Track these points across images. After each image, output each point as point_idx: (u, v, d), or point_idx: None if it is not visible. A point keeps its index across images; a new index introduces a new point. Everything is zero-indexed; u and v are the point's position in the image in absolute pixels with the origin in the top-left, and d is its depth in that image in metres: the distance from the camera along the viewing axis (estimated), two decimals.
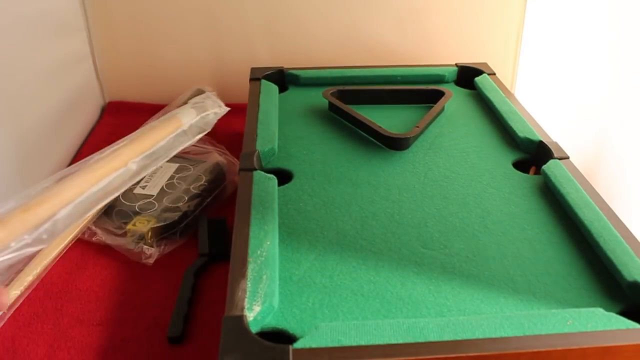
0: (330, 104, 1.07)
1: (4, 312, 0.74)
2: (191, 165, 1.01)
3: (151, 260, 0.85)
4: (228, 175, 1.02)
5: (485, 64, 1.24)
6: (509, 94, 1.11)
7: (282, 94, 1.14)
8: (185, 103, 1.19)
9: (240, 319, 0.57)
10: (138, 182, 0.95)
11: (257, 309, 0.59)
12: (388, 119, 1.02)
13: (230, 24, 1.31)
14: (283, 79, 1.19)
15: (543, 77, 1.34)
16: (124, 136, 1.07)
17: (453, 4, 1.31)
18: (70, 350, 0.70)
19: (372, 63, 1.26)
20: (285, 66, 1.20)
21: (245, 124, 0.98)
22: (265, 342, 0.54)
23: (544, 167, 0.86)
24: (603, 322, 0.58)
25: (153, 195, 0.93)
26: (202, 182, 0.96)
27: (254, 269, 0.64)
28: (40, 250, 0.64)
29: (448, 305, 0.63)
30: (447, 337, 0.56)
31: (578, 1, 1.19)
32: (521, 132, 0.95)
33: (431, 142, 0.97)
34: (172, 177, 0.97)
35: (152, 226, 0.86)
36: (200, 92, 1.26)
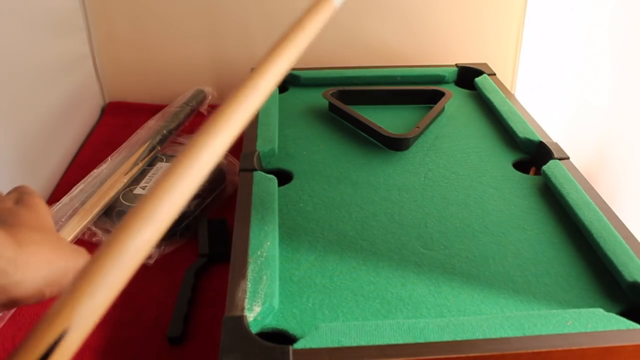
0: (331, 105, 1.06)
1: (4, 313, 0.74)
2: None
3: (151, 261, 0.84)
4: (228, 175, 1.02)
5: (485, 65, 1.24)
6: (509, 94, 1.11)
7: (282, 95, 1.14)
8: (185, 104, 1.19)
9: (240, 320, 0.57)
10: (138, 183, 0.95)
11: (257, 310, 0.59)
12: (388, 120, 1.02)
13: (230, 24, 1.31)
14: (283, 79, 1.19)
15: (543, 78, 1.34)
16: (124, 137, 1.08)
17: (453, 4, 1.31)
18: None
19: (373, 63, 1.26)
20: None
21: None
22: (265, 343, 0.54)
23: (544, 167, 0.86)
24: (603, 323, 0.58)
25: None
26: (202, 183, 0.96)
27: (254, 270, 0.64)
28: None
29: (448, 305, 0.63)
30: (447, 337, 0.56)
31: (578, 1, 1.19)
32: (521, 133, 0.95)
33: (431, 143, 0.97)
34: None
35: None
36: (200, 92, 1.26)
